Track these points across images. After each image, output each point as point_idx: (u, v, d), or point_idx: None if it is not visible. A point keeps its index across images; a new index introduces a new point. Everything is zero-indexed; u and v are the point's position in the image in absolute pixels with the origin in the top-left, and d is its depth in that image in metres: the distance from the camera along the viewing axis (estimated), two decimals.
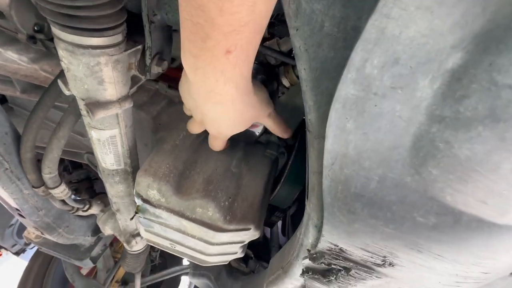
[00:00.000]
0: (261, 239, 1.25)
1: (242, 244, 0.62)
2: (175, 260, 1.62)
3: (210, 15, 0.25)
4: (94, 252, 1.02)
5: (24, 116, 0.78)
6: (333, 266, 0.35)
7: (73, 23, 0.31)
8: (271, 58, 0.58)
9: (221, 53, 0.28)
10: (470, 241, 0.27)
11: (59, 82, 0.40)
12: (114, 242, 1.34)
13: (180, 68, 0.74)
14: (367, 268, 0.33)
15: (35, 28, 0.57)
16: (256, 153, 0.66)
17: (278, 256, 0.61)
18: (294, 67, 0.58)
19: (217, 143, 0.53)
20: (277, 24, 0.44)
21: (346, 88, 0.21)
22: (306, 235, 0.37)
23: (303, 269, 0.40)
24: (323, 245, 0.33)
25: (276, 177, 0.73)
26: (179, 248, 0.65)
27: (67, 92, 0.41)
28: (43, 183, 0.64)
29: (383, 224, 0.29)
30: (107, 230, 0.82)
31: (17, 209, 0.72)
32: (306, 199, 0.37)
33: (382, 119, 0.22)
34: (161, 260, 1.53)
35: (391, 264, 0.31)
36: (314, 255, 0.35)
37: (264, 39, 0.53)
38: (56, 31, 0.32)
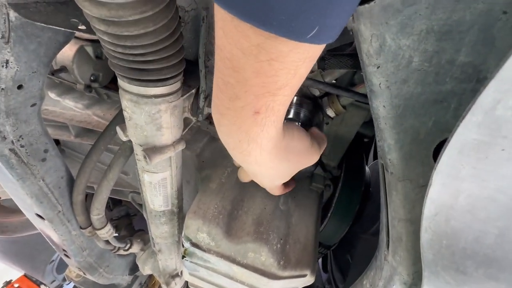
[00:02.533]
0: None
1: None
2: None
3: (244, 76, 0.22)
4: None
5: (74, 157, 0.82)
6: None
7: (141, 76, 0.32)
8: (315, 89, 0.57)
9: (248, 114, 0.25)
10: None
11: (117, 129, 0.41)
12: (146, 279, 1.31)
13: None
14: None
15: (91, 78, 0.61)
16: (301, 187, 0.62)
17: None
18: (339, 96, 0.56)
19: (272, 191, 0.47)
20: (327, 58, 0.43)
21: (468, 132, 0.18)
22: None
23: None
24: None
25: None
26: None
27: (124, 138, 0.42)
28: (90, 224, 0.65)
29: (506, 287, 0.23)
30: (147, 270, 0.80)
31: (64, 250, 0.73)
32: (386, 247, 0.32)
33: (509, 165, 0.18)
34: None
35: None
36: None
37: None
38: (123, 84, 0.33)
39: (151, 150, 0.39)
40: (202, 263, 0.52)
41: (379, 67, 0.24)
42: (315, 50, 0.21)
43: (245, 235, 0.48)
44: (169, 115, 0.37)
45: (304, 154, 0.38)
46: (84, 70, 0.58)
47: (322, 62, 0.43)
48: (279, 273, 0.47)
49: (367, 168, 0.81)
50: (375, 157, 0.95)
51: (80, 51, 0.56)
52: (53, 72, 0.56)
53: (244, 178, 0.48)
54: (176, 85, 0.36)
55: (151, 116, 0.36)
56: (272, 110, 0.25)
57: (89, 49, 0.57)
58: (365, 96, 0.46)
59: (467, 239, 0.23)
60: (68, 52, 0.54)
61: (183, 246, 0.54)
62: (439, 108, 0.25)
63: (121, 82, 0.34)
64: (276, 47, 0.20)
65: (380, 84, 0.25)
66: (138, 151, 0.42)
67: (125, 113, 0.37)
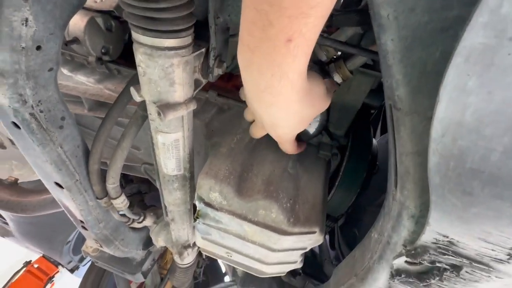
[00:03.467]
0: (308, 254, 1.18)
1: (303, 252, 0.58)
2: (217, 278, 1.59)
3: None
4: (145, 267, 1.03)
5: (86, 134, 0.85)
6: (437, 264, 0.30)
7: (154, 26, 0.33)
8: (322, 55, 0.57)
9: (281, 42, 0.26)
10: None
11: (132, 89, 0.43)
12: (159, 258, 1.35)
13: (229, 76, 0.76)
14: (484, 265, 0.28)
15: (102, 50, 0.63)
16: (309, 155, 0.63)
17: (345, 264, 0.55)
18: (345, 61, 0.57)
19: (285, 146, 0.50)
20: (335, 15, 0.43)
21: (474, 36, 0.18)
22: (396, 230, 0.33)
23: (392, 272, 0.36)
24: (427, 237, 0.28)
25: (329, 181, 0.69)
26: (235, 257, 0.62)
27: (138, 98, 0.43)
28: (106, 194, 0.68)
29: None
30: (160, 242, 0.83)
31: (81, 221, 0.76)
32: (394, 187, 0.33)
33: None
34: (204, 277, 1.51)
35: None
36: (413, 252, 0.30)
37: None
38: (137, 36, 0.35)
39: (165, 106, 0.41)
40: (215, 224, 0.54)
41: None
42: None
43: (256, 193, 0.49)
44: (181, 71, 0.38)
45: (322, 99, 0.40)
46: (95, 41, 0.59)
47: (329, 20, 0.44)
48: (289, 230, 0.48)
49: (374, 141, 0.82)
50: (383, 131, 0.95)
51: (91, 22, 0.57)
52: (66, 43, 0.57)
53: (257, 133, 0.50)
54: (187, 39, 0.37)
55: (165, 70, 0.37)
56: (304, 37, 0.26)
57: (100, 21, 0.59)
58: (371, 52, 0.46)
59: (473, 158, 0.24)
60: (79, 22, 0.56)
61: (194, 211, 0.57)
62: (446, 37, 0.25)
63: (135, 35, 0.35)
64: None
65: (388, 15, 0.26)
66: (152, 110, 0.43)
67: (139, 69, 0.38)
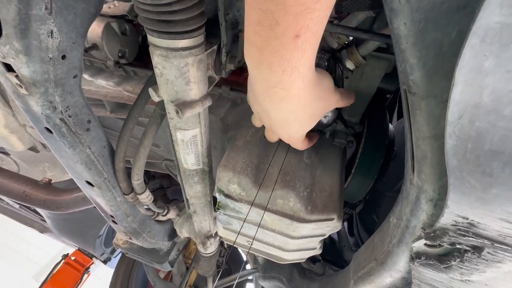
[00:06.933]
0: (327, 241, 1.19)
1: (321, 238, 0.60)
2: (239, 266, 1.65)
3: None
4: (171, 257, 1.10)
5: (109, 135, 0.90)
6: (457, 246, 0.30)
7: (168, 28, 0.34)
8: (333, 42, 0.56)
9: (289, 39, 0.26)
10: None
11: (150, 90, 0.45)
12: (184, 248, 1.42)
13: (240, 70, 0.76)
14: (507, 246, 0.28)
15: (119, 54, 0.66)
16: (324, 143, 0.64)
17: (365, 248, 0.56)
18: (358, 46, 0.56)
19: (297, 145, 0.50)
20: (346, 0, 0.42)
21: (490, 15, 0.18)
22: (414, 214, 0.33)
23: (411, 255, 0.36)
24: (447, 219, 0.29)
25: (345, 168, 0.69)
26: (256, 245, 0.65)
27: (156, 98, 0.45)
28: (131, 190, 0.72)
29: None
30: (184, 233, 0.87)
31: (111, 216, 0.82)
32: (411, 172, 0.33)
33: None
34: (226, 266, 1.57)
35: None
36: (433, 234, 0.31)
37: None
38: (153, 39, 0.36)
39: (182, 105, 0.42)
40: (235, 214, 0.57)
41: None
42: None
43: (273, 183, 0.51)
44: (195, 69, 0.40)
45: (331, 93, 0.40)
46: (112, 46, 0.62)
47: (340, 6, 0.43)
48: (307, 217, 0.50)
49: (391, 126, 0.80)
50: (399, 116, 0.92)
51: (107, 27, 0.60)
52: (86, 50, 0.60)
53: (271, 138, 0.51)
54: (200, 38, 0.38)
55: (180, 69, 0.39)
56: (311, 32, 0.26)
57: (115, 25, 0.61)
58: (385, 36, 0.45)
59: (492, 139, 0.24)
60: (96, 29, 0.59)
61: (215, 203, 0.59)
62: (463, 15, 0.24)
63: (151, 39, 0.37)
64: None
65: None
66: (170, 109, 0.45)
67: (156, 70, 0.40)
